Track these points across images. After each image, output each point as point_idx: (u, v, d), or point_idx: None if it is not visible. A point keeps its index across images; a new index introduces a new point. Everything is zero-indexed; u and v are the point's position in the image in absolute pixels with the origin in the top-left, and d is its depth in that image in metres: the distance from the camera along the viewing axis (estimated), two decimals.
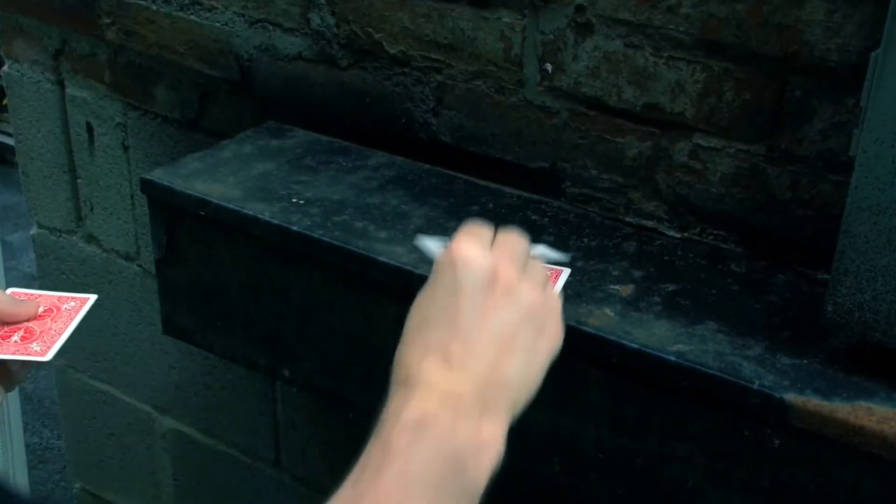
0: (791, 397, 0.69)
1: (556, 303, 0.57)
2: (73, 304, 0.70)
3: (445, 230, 0.90)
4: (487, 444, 0.49)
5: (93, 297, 0.70)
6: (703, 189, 0.88)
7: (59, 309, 0.69)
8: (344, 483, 0.48)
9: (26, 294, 0.70)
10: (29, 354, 0.66)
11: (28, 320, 0.67)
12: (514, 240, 0.58)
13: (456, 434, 0.48)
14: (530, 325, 0.53)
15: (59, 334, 0.67)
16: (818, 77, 0.79)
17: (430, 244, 0.65)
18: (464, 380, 0.49)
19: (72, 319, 0.68)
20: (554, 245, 0.88)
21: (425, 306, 0.53)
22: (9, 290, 0.69)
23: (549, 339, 0.54)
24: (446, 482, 0.47)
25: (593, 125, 0.92)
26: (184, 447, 1.47)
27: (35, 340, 0.67)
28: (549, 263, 0.66)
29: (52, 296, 0.70)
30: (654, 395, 0.75)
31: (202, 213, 0.95)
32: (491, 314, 0.51)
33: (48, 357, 0.66)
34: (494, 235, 0.58)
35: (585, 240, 0.89)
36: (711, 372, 0.72)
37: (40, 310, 0.69)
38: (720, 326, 0.77)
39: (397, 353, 0.52)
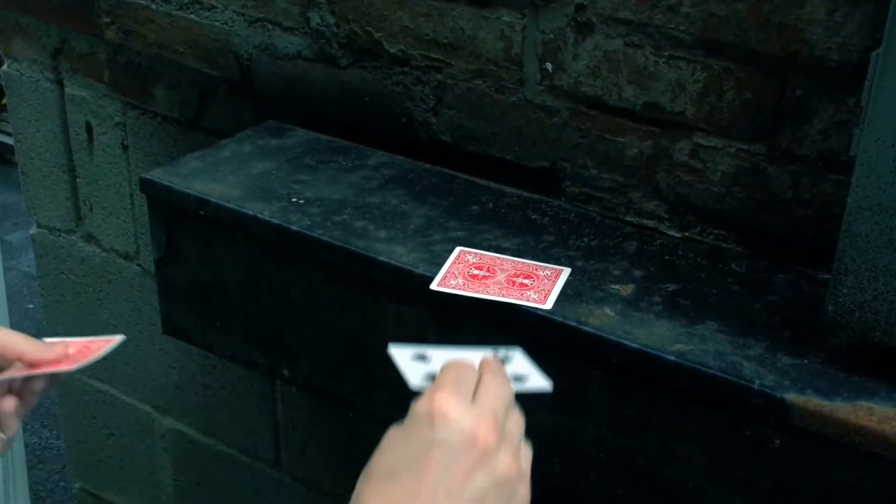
0: (792, 397, 0.69)
1: (528, 465, 0.54)
2: (101, 343, 0.71)
3: (445, 230, 0.90)
4: None
5: (120, 337, 0.71)
6: (703, 188, 0.88)
7: (88, 349, 0.70)
8: None
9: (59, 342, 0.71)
10: (56, 368, 0.68)
11: (56, 363, 0.68)
12: (498, 388, 0.54)
13: None
14: (500, 494, 0.50)
15: (86, 358, 0.69)
16: (819, 76, 0.79)
17: (403, 359, 0.61)
18: None
19: (100, 350, 0.70)
20: (555, 244, 0.88)
21: (396, 453, 0.50)
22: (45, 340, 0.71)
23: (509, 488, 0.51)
24: None
25: (593, 124, 0.92)
26: (183, 447, 1.46)
27: (63, 364, 0.69)
28: (529, 383, 0.62)
29: (82, 341, 0.71)
30: (655, 394, 0.75)
31: (201, 212, 0.95)
32: (462, 479, 0.49)
33: (74, 367, 0.68)
34: (480, 367, 0.55)
35: (586, 239, 0.89)
36: (712, 372, 0.72)
37: (71, 351, 0.70)
38: (721, 326, 0.76)
39: (358, 490, 0.49)
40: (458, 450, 0.49)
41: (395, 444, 0.50)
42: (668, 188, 0.90)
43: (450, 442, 0.49)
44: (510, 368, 0.63)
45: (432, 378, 0.57)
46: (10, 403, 0.64)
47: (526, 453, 0.54)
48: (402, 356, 0.63)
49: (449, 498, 0.48)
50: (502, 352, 0.65)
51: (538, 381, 0.62)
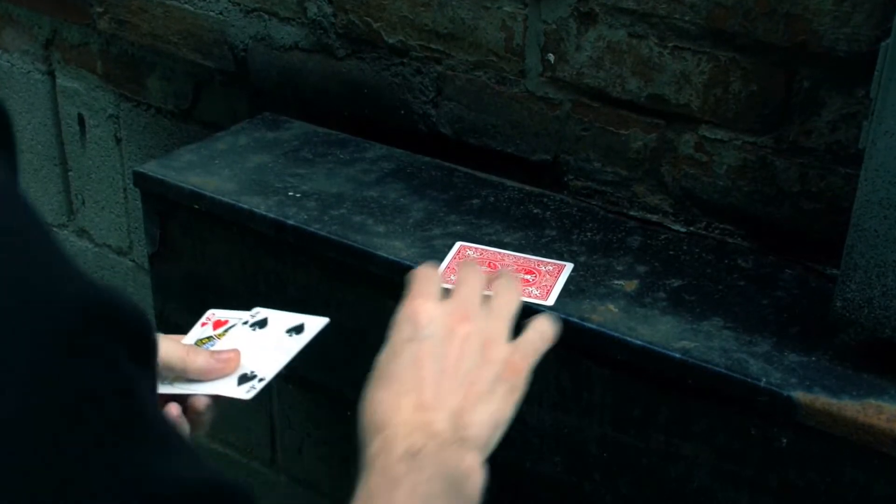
0: (799, 395, 0.68)
1: (508, 337, 0.58)
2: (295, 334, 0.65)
3: (445, 224, 0.88)
4: (473, 472, 0.51)
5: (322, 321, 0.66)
6: (709, 182, 0.87)
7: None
8: None
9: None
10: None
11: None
12: (468, 279, 0.59)
13: (446, 461, 0.50)
14: (490, 368, 0.55)
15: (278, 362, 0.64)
16: (827, 67, 0.78)
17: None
18: (439, 420, 0.52)
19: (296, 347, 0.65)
20: (557, 238, 0.87)
21: (391, 361, 0.55)
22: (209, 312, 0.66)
23: (509, 377, 0.56)
24: (452, 499, 0.49)
25: (597, 117, 0.91)
26: None
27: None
28: None
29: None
30: (659, 392, 0.74)
31: (196, 206, 0.93)
32: (455, 361, 0.54)
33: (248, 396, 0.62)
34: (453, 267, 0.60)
35: (589, 234, 0.88)
36: (718, 369, 0.71)
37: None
38: (727, 323, 0.75)
39: (369, 404, 0.54)
40: (441, 341, 0.55)
41: (389, 354, 0.55)
42: (672, 182, 0.89)
43: (433, 336, 0.55)
44: None
45: None
46: (174, 409, 0.62)
47: (506, 329, 0.58)
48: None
49: (446, 383, 0.53)
50: None
51: None
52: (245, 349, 0.64)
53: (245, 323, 0.67)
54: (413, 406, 0.52)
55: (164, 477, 0.34)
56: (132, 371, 0.34)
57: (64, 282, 0.33)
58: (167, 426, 0.36)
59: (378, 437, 0.51)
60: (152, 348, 0.38)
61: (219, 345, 0.65)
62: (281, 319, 0.67)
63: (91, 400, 0.32)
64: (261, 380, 0.62)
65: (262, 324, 0.67)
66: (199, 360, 0.63)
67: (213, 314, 0.68)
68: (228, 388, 0.62)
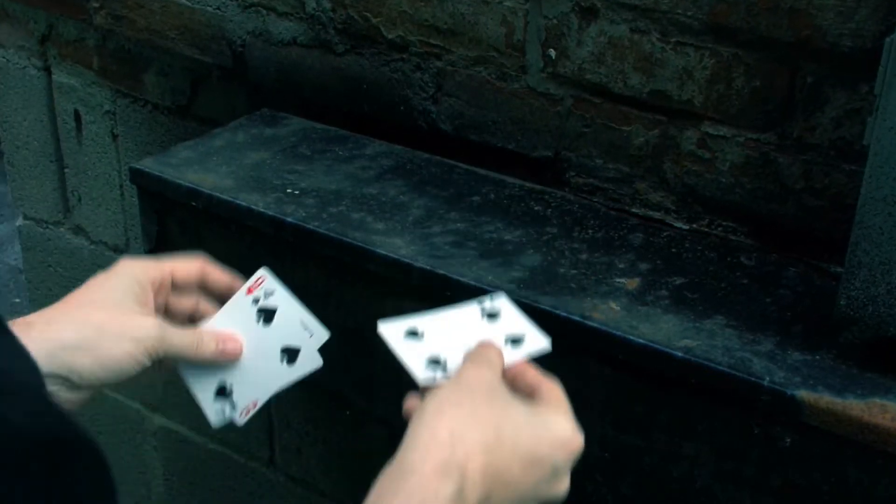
0: (803, 394, 0.67)
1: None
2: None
3: (445, 221, 0.88)
4: None
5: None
6: (711, 179, 0.86)
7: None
8: None
9: None
10: None
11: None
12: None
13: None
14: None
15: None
16: (831, 63, 0.77)
17: (397, 342, 0.65)
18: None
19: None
20: (558, 236, 0.86)
21: (533, 471, 0.57)
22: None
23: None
24: None
25: (598, 113, 0.90)
26: (175, 446, 1.44)
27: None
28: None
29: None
30: (661, 391, 0.74)
31: (194, 203, 0.93)
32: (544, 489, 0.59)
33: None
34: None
35: (590, 231, 0.87)
36: (720, 368, 0.70)
37: None
38: (729, 321, 0.75)
39: (495, 469, 0.56)
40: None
41: (535, 460, 0.58)
42: (675, 178, 0.88)
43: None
44: (502, 328, 0.64)
45: (435, 363, 0.62)
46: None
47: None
48: (395, 336, 0.65)
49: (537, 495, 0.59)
50: (487, 303, 0.66)
51: (537, 341, 0.64)
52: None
53: (255, 302, 0.69)
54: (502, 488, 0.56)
55: None
56: None
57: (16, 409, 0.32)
58: None
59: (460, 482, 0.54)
60: (104, 480, 0.38)
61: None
62: (284, 327, 0.68)
63: None
64: (236, 408, 0.68)
65: (268, 317, 0.68)
66: (207, 351, 0.68)
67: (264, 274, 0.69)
68: (206, 402, 0.69)
